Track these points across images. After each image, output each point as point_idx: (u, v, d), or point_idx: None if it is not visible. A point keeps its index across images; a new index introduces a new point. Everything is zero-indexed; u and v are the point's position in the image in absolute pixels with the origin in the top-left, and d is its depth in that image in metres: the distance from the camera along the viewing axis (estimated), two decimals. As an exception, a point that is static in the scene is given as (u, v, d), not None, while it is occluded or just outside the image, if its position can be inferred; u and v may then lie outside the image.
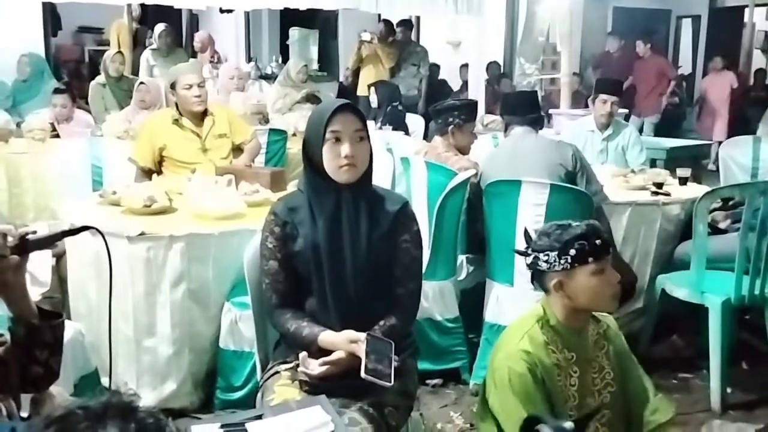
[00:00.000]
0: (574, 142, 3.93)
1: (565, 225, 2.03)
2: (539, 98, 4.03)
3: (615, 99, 4.75)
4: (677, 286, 3.44)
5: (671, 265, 3.75)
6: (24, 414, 1.67)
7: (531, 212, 3.17)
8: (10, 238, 1.59)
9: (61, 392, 1.81)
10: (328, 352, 2.04)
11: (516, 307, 3.15)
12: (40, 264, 3.13)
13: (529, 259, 2.06)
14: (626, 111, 7.65)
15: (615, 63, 9.89)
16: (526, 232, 2.12)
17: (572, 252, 1.98)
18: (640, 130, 8.41)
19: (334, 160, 2.07)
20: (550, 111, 7.67)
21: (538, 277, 2.07)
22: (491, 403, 2.04)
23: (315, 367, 2.02)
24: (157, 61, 7.29)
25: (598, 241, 2.00)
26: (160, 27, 7.48)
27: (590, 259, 1.98)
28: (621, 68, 9.45)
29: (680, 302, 3.44)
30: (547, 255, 2.00)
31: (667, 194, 3.90)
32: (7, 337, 1.67)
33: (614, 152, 4.79)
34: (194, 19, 10.65)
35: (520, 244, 2.14)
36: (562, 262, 1.99)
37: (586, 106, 5.96)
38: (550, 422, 1.83)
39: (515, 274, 3.23)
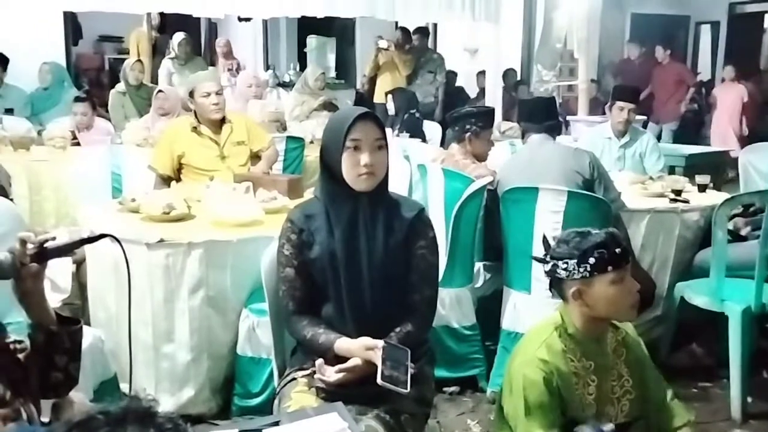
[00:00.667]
0: (591, 149, 3.92)
1: (585, 233, 2.02)
2: (557, 105, 4.00)
3: (632, 106, 4.74)
4: (696, 294, 3.42)
5: (690, 272, 3.72)
6: (45, 419, 1.69)
7: (548, 219, 3.16)
8: (29, 245, 1.61)
9: (81, 398, 1.83)
10: (345, 359, 2.05)
11: (533, 314, 3.14)
12: (59, 270, 3.16)
13: (548, 267, 2.05)
14: (644, 118, 7.61)
15: (634, 70, 9.83)
16: (544, 239, 2.11)
17: (591, 260, 1.97)
18: (659, 137, 8.36)
19: (353, 169, 2.08)
20: (568, 118, 7.64)
21: (556, 285, 2.07)
22: (506, 410, 2.04)
23: (331, 373, 2.03)
24: (176, 69, 7.35)
25: (617, 250, 1.98)
26: (179, 36, 7.53)
27: (609, 268, 1.97)
28: (640, 75, 9.39)
29: (699, 310, 3.41)
30: (566, 263, 1.99)
31: (686, 201, 3.87)
32: (27, 343, 1.69)
33: (632, 159, 4.77)
34: (213, 28, 10.73)
35: (538, 251, 2.13)
36: (581, 270, 1.98)
37: (604, 113, 5.94)
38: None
39: (533, 281, 3.22)
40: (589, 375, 2.03)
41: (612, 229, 2.09)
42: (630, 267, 2.03)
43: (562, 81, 8.61)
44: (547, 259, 2.05)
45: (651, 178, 4.33)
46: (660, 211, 3.79)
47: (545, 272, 2.07)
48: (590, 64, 8.35)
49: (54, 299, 3.05)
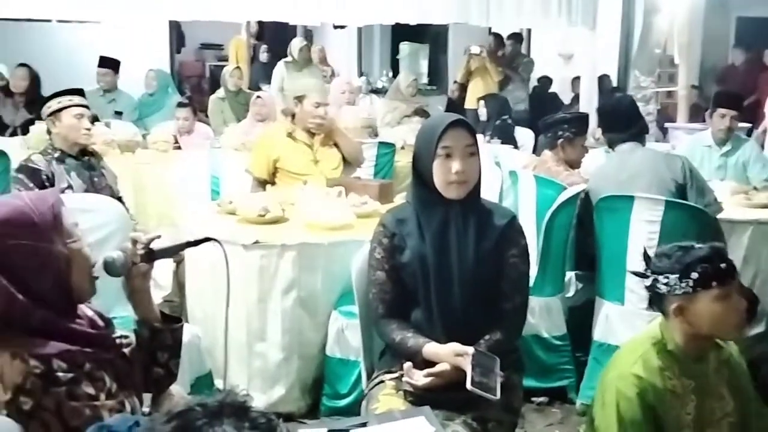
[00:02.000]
0: (689, 157, 3.79)
1: (688, 246, 1.94)
2: (636, 104, 3.80)
3: (734, 113, 4.55)
4: (804, 311, 3.26)
5: (798, 288, 3.54)
6: (145, 410, 1.77)
7: (644, 229, 3.08)
8: (139, 245, 1.71)
9: (179, 391, 1.91)
10: (433, 364, 2.06)
11: (626, 326, 3.07)
12: (160, 269, 3.30)
13: (648, 281, 1.98)
14: (749, 125, 7.27)
15: (739, 75, 9.41)
16: (645, 252, 2.04)
17: (694, 275, 1.89)
18: (764, 145, 7.95)
19: (445, 176, 2.09)
20: (666, 125, 7.40)
21: (656, 300, 1.99)
22: (596, 424, 2.00)
23: (419, 377, 2.04)
24: (289, 74, 7.40)
25: (723, 265, 1.90)
26: (299, 41, 7.59)
27: (714, 284, 1.89)
28: (745, 81, 8.98)
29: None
30: (667, 278, 1.92)
31: (795, 213, 3.69)
32: (133, 338, 1.78)
33: (734, 168, 4.57)
34: (309, 35, 10.95)
35: (632, 261, 2.08)
36: (683, 285, 1.90)
37: (704, 120, 5.73)
38: None
39: (626, 292, 3.14)
40: (688, 394, 1.96)
41: (718, 243, 2.01)
42: (737, 283, 1.95)
43: (660, 87, 8.34)
44: (647, 273, 1.98)
45: (755, 188, 4.15)
46: (764, 222, 3.62)
47: (645, 287, 2.00)
48: (691, 69, 8.05)
49: (155, 296, 3.18)
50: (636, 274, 2.06)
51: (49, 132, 3.53)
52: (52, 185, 3.33)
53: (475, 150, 2.13)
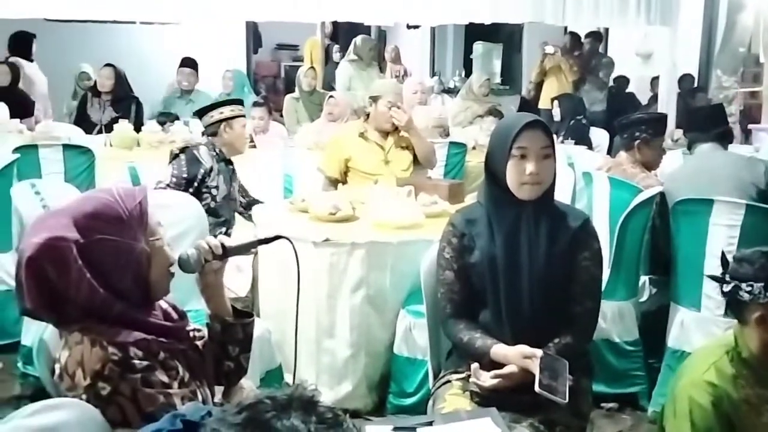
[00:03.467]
0: (774, 160, 3.65)
1: None
2: (725, 112, 3.74)
3: (825, 114, 4.36)
4: None
5: None
6: (217, 401, 1.82)
7: (723, 234, 2.98)
8: (213, 244, 1.76)
9: (250, 384, 1.95)
10: (500, 365, 2.05)
11: (702, 333, 2.99)
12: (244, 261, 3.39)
13: (728, 287, 1.91)
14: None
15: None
16: (723, 256, 1.98)
17: None
18: None
19: (519, 177, 2.08)
20: (750, 126, 7.15)
21: (735, 307, 1.93)
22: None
23: (486, 378, 2.03)
24: (356, 72, 7.43)
25: None
26: (366, 39, 7.56)
27: None
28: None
29: None
30: (751, 285, 1.85)
31: None
32: (205, 332, 1.83)
33: (823, 173, 4.37)
34: (382, 35, 11.01)
35: (710, 267, 2.03)
36: None
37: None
38: None
39: (702, 298, 3.05)
40: (763, 404, 1.90)
41: None
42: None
43: (744, 87, 8.05)
44: (727, 278, 1.92)
45: None
46: None
47: (723, 293, 1.94)
48: (778, 68, 7.74)
49: (237, 280, 3.27)
50: (714, 278, 1.99)
51: (213, 134, 3.70)
52: (203, 181, 3.55)
53: (550, 151, 2.10)
